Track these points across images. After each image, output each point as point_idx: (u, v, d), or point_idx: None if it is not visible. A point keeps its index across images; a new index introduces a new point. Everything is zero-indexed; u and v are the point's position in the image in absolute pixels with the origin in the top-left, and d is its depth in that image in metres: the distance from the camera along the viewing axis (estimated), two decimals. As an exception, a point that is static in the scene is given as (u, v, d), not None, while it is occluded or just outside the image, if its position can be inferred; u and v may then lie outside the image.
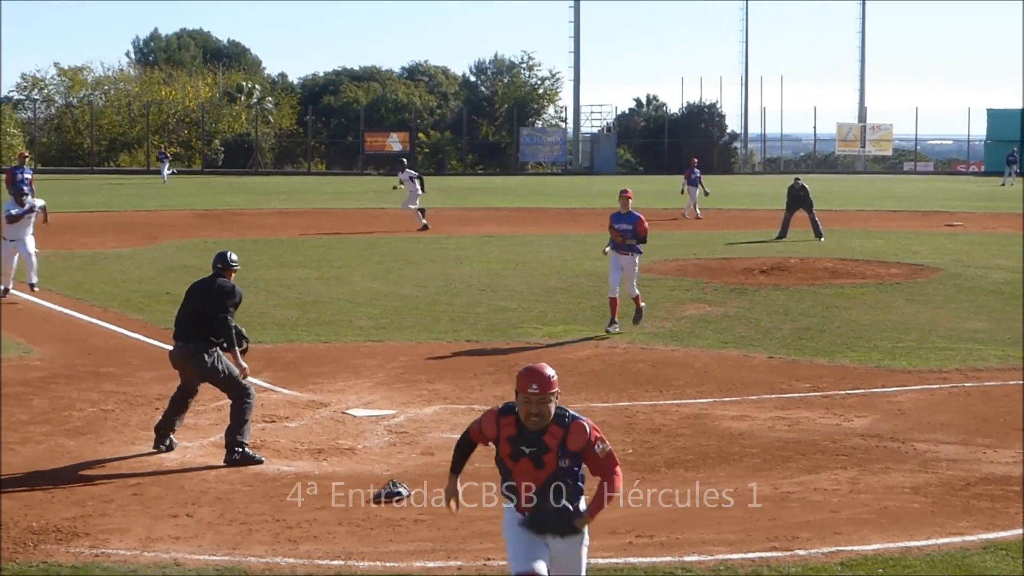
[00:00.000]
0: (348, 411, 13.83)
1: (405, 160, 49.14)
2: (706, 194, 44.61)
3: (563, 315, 20.78)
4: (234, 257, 12.49)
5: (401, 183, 42.20)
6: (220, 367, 12.00)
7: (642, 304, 19.34)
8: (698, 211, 44.23)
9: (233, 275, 12.40)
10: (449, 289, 23.97)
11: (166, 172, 71.21)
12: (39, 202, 22.65)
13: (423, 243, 33.93)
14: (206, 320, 12.01)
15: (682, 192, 45.60)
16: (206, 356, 11.96)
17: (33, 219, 22.36)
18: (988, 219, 44.42)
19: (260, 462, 11.73)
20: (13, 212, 22.01)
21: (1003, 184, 68.96)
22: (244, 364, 12.23)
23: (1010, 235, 37.12)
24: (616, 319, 19.12)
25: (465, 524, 9.78)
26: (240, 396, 11.97)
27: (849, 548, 9.23)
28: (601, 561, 8.90)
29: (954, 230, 39.10)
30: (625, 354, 17.39)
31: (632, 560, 8.95)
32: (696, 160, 46.66)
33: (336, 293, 23.47)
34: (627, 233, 19.17)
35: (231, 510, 10.21)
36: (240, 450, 11.76)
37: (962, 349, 17.70)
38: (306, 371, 16.08)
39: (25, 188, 23.14)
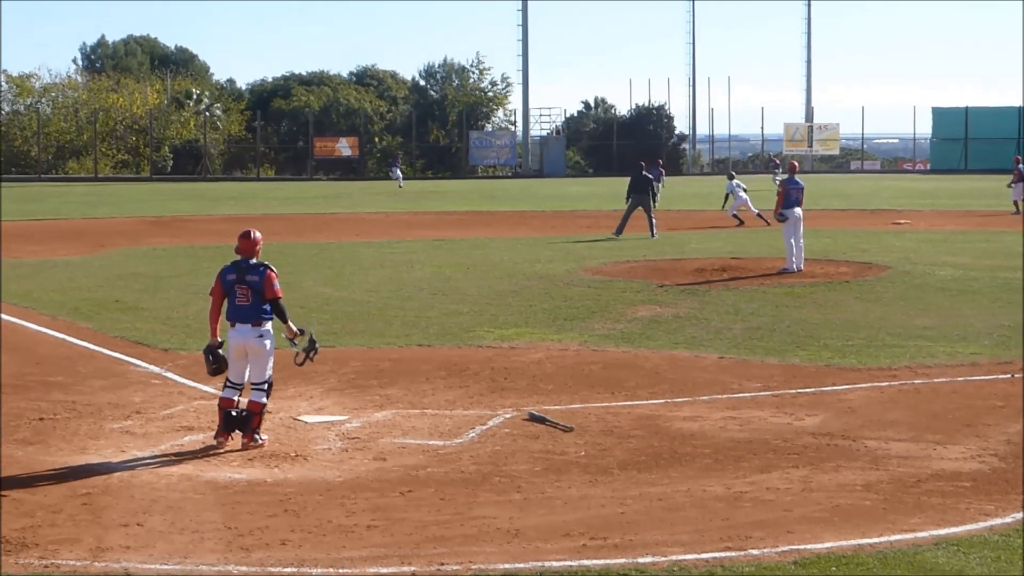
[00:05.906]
0: (300, 417, 13.75)
1: None
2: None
3: (515, 318, 20.75)
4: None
5: None
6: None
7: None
8: None
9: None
10: (400, 293, 23.91)
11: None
12: None
13: (374, 247, 33.83)
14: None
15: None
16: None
17: None
18: (935, 216, 44.88)
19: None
20: None
21: None
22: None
23: (956, 232, 37.50)
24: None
25: (419, 529, 9.75)
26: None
27: (802, 547, 9.26)
28: (555, 564, 8.90)
29: (901, 228, 39.43)
30: (577, 356, 17.39)
31: (586, 562, 8.94)
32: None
33: (286, 299, 23.15)
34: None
35: (182, 518, 10.13)
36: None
37: (911, 346, 17.83)
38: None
39: None
